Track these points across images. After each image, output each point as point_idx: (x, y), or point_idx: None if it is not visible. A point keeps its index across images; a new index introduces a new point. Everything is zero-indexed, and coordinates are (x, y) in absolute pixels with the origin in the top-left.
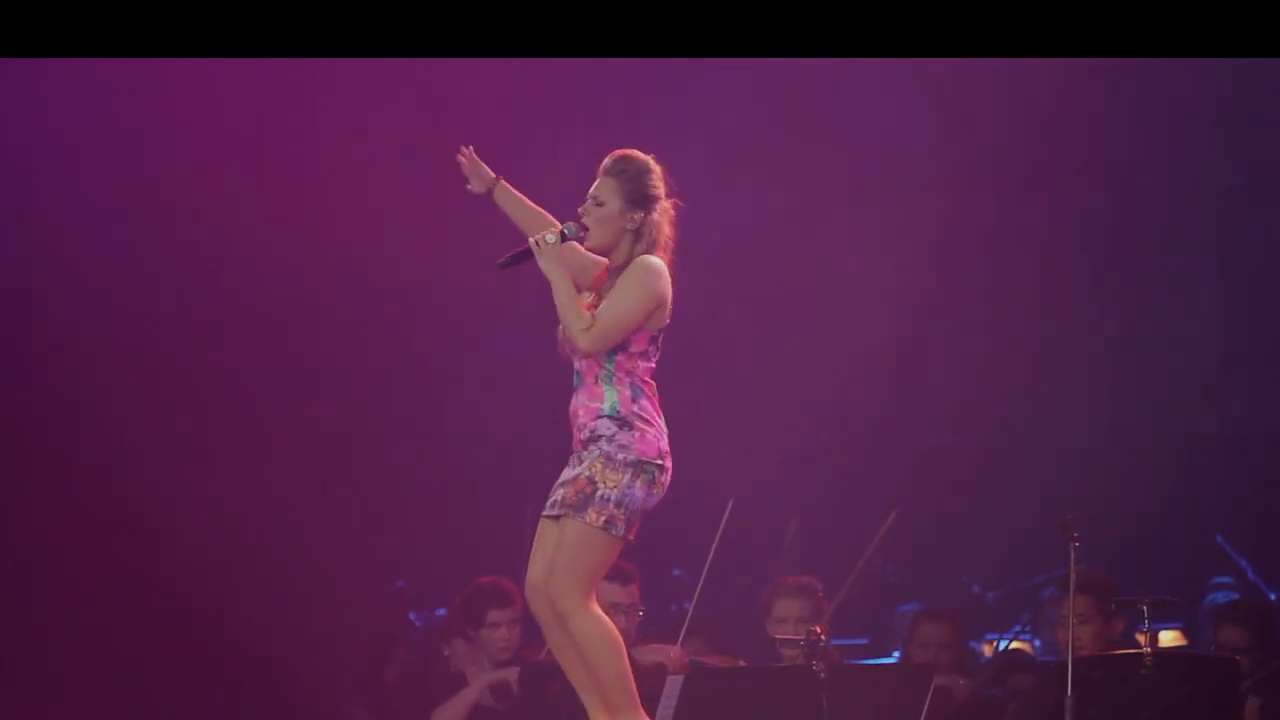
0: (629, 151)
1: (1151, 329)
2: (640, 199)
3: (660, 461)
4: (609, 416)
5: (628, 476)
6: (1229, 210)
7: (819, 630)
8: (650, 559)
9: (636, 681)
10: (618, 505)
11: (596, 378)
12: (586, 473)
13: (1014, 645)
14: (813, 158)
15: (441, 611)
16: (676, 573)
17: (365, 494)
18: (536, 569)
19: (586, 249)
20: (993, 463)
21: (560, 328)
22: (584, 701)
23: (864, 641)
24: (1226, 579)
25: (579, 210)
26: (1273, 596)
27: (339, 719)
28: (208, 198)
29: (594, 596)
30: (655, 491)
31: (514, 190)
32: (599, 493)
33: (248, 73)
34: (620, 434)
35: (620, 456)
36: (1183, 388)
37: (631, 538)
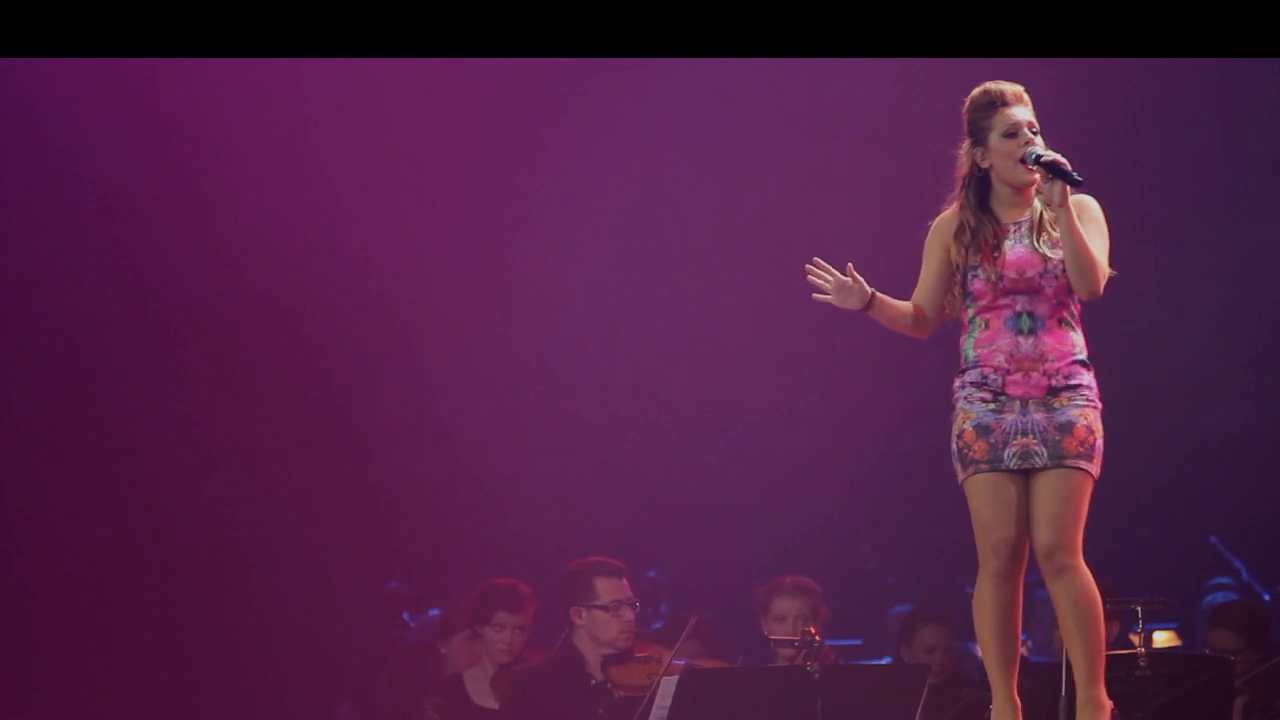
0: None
1: (1145, 330)
2: None
3: None
4: (1080, 362)
5: (1101, 424)
6: (1223, 211)
7: (814, 631)
8: (625, 560)
9: None
10: (1102, 455)
11: (1060, 321)
12: (1083, 421)
13: None
14: (801, 154)
15: (436, 612)
16: (651, 575)
17: (360, 494)
18: (1010, 528)
19: (1023, 182)
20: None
21: (1000, 259)
22: (996, 665)
23: (858, 642)
24: (1226, 580)
25: (1016, 143)
26: (1267, 597)
27: (329, 718)
28: (195, 197)
29: None
30: None
31: (888, 298)
32: (1097, 443)
33: (240, 73)
34: (1092, 379)
35: (1099, 405)
36: (1177, 388)
37: None
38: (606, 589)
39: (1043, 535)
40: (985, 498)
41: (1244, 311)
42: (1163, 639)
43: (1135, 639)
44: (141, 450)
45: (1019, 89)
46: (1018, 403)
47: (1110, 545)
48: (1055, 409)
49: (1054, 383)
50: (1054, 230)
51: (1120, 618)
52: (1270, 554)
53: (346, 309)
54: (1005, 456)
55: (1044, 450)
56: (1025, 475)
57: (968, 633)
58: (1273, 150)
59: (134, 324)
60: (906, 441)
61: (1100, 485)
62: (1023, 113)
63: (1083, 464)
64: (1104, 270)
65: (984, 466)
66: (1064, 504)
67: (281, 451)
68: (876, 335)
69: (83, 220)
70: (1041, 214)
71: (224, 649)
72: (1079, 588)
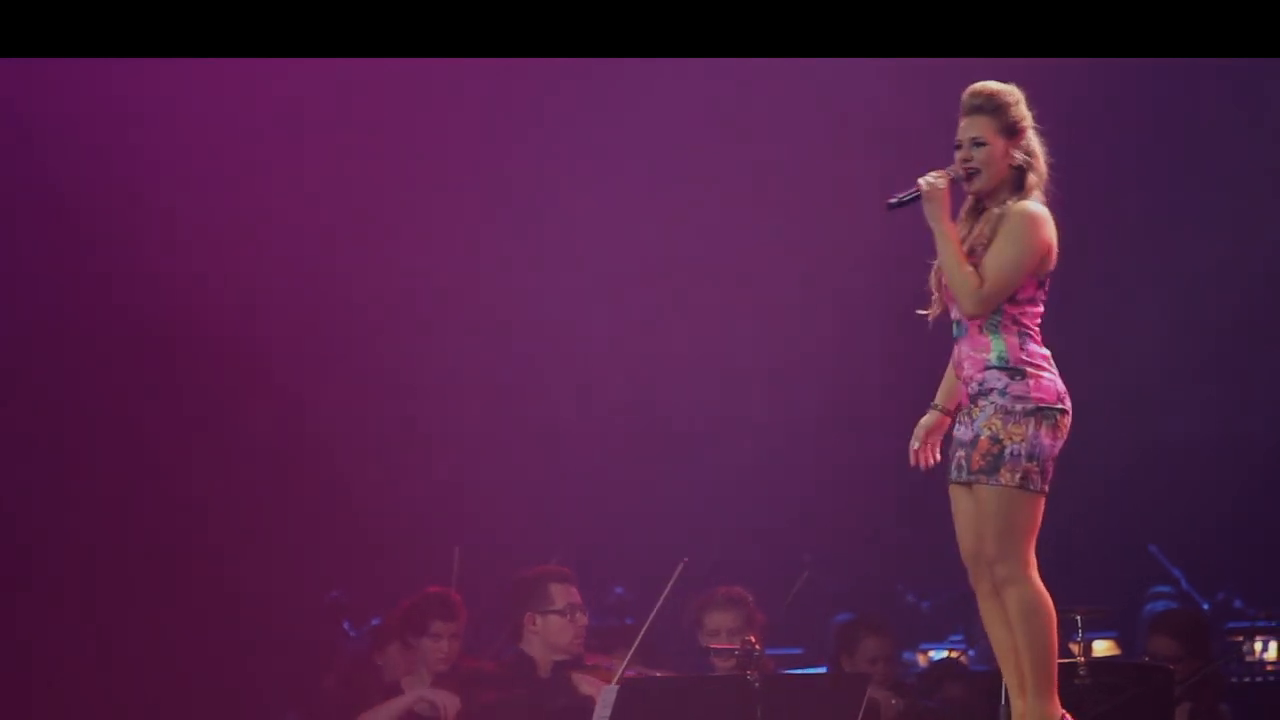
0: (989, 85)
1: (1089, 339)
2: (1018, 131)
3: (1060, 405)
4: (998, 367)
5: (1030, 426)
6: (1170, 222)
7: (753, 640)
8: (592, 575)
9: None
10: (1030, 459)
11: (981, 327)
12: (986, 432)
13: (947, 655)
14: (750, 160)
15: (377, 621)
16: (619, 591)
17: (300, 504)
18: (969, 537)
19: (972, 192)
20: (928, 470)
21: (935, 272)
22: (1004, 674)
23: (798, 651)
24: (1165, 588)
25: (957, 156)
26: (1206, 606)
27: None
28: (146, 203)
29: (1033, 562)
30: (1061, 436)
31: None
32: (1007, 450)
33: (200, 74)
34: (1013, 384)
35: (1018, 407)
36: (1120, 398)
37: (1048, 488)
38: (560, 594)
39: (984, 549)
40: (953, 509)
41: (1188, 323)
42: (1102, 648)
43: (1075, 648)
44: (83, 456)
45: (978, 91)
46: (963, 413)
47: (1050, 553)
48: (973, 419)
49: (970, 390)
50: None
51: (1060, 626)
52: (1209, 563)
53: (289, 316)
54: (951, 469)
55: (965, 465)
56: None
57: (909, 643)
58: (1222, 160)
59: (78, 328)
60: (851, 450)
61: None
62: (965, 127)
63: (984, 478)
64: (977, 288)
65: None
66: (985, 519)
67: (223, 459)
68: (824, 345)
69: (38, 221)
70: (989, 219)
71: (165, 659)
72: (1019, 602)
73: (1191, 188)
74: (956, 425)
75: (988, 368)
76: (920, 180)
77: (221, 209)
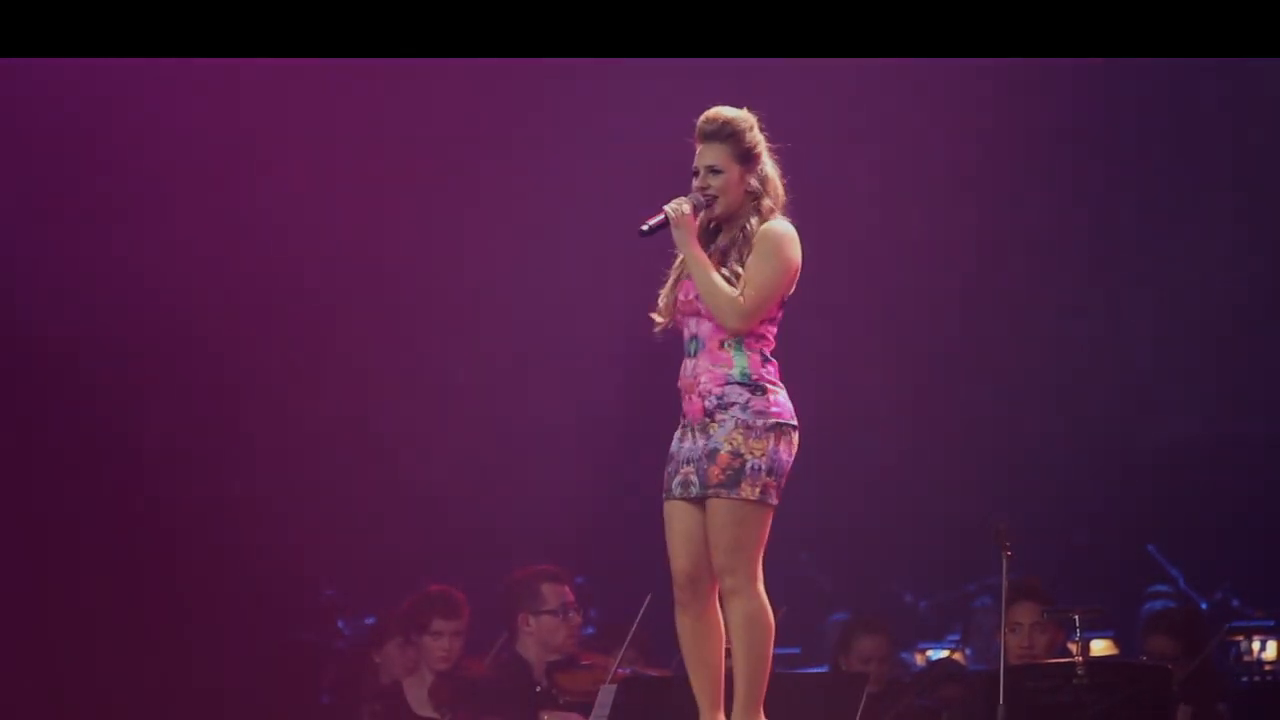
0: (724, 111)
1: (1083, 341)
2: (752, 158)
3: (793, 421)
4: (740, 382)
5: (771, 441)
6: (1157, 225)
7: None
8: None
9: None
10: (769, 473)
11: (722, 344)
12: (727, 447)
13: (945, 654)
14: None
15: (371, 620)
16: (579, 581)
17: (294, 502)
18: (683, 560)
19: (711, 218)
20: (925, 470)
21: (666, 294)
22: (696, 691)
23: (795, 651)
24: (1164, 587)
25: (695, 184)
26: (1204, 605)
27: None
28: (143, 201)
29: (760, 575)
30: (794, 452)
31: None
32: (749, 464)
33: (205, 74)
34: (754, 399)
35: (759, 423)
36: (1115, 399)
37: (777, 502)
38: (553, 594)
39: (714, 560)
40: (667, 527)
41: (1184, 323)
42: (1100, 647)
43: (1073, 647)
44: (69, 455)
45: (712, 118)
46: (690, 429)
47: (1048, 554)
48: (710, 434)
49: (707, 405)
50: (735, 260)
51: (1061, 626)
52: (1206, 562)
53: (282, 312)
54: (673, 486)
55: (697, 480)
56: (701, 504)
57: (906, 642)
58: (1209, 163)
59: (75, 327)
60: (846, 450)
61: (1037, 494)
62: (701, 154)
63: (724, 492)
64: (740, 304)
65: (665, 495)
66: (718, 532)
67: (215, 458)
68: (825, 340)
69: (34, 221)
70: (731, 240)
71: (156, 659)
72: (744, 613)
73: (1178, 190)
74: (680, 440)
75: (729, 382)
76: (666, 207)
77: (217, 209)
